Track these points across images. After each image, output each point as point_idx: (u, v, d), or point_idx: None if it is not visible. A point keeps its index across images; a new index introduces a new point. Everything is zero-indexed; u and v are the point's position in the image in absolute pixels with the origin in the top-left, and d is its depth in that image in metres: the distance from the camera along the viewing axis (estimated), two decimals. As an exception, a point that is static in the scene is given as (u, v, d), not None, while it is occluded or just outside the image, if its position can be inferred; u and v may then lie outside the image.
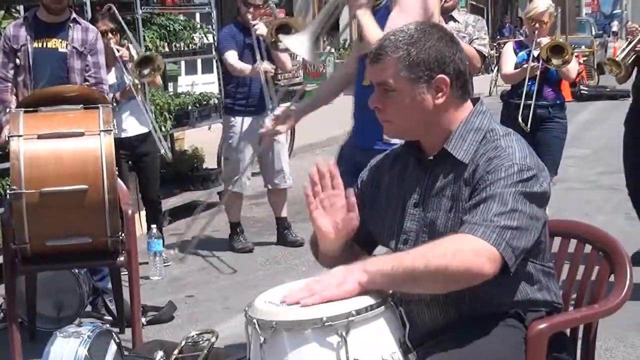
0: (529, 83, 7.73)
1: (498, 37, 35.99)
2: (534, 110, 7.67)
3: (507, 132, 3.06)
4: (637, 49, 7.18)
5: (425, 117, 3.04)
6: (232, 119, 8.40)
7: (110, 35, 7.65)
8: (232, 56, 8.19)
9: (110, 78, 7.77)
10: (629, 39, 7.37)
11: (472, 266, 2.75)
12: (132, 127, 7.90)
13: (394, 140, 3.57)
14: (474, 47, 7.04)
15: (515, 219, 2.84)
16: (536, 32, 7.79)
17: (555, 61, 7.37)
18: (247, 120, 8.32)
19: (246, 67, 8.13)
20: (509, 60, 8.01)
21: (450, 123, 3.07)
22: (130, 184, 7.95)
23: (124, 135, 7.72)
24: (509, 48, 8.20)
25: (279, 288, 2.97)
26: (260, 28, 8.11)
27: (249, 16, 8.13)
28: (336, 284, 2.77)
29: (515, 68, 7.88)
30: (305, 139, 14.15)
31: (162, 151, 8.24)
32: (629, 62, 7.23)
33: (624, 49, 7.30)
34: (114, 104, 7.46)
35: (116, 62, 7.75)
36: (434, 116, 3.04)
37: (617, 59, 7.29)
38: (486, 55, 7.28)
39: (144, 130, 7.98)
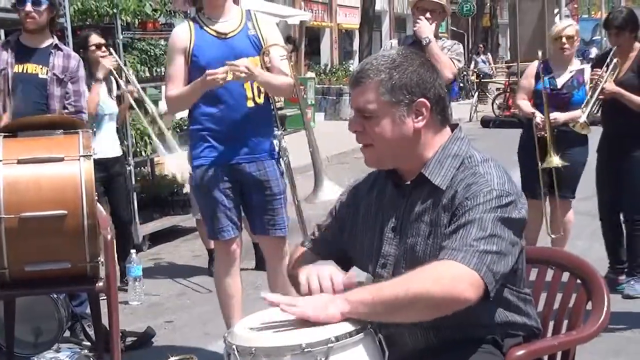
0: (550, 109, 7.46)
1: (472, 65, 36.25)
2: (558, 137, 7.46)
3: (485, 159, 3.08)
4: (600, 97, 7.16)
5: (405, 140, 3.06)
6: None
7: (104, 48, 7.73)
8: None
9: (102, 93, 7.89)
10: (591, 86, 7.20)
11: (454, 292, 2.77)
12: (108, 148, 7.95)
13: None
14: (452, 59, 7.04)
15: (495, 244, 2.86)
16: (565, 51, 7.57)
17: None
18: None
19: None
20: (525, 85, 7.81)
21: (428, 148, 3.09)
22: (105, 208, 7.97)
23: (100, 156, 7.79)
24: (532, 70, 7.84)
25: (258, 314, 2.99)
26: None
27: None
28: (319, 306, 2.79)
29: (533, 94, 7.66)
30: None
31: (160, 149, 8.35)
32: (596, 110, 7.19)
33: (587, 102, 7.16)
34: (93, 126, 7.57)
35: (109, 77, 7.88)
36: (413, 140, 3.07)
37: (582, 121, 7.16)
38: (459, 67, 7.14)
39: (118, 153, 8.07)
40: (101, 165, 7.76)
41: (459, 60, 7.00)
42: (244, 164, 5.74)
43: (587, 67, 7.74)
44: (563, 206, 7.76)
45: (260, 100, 5.76)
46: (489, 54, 40.72)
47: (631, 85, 6.91)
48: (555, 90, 7.58)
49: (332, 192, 6.34)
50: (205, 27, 5.71)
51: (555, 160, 7.37)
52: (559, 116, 7.41)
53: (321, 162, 6.68)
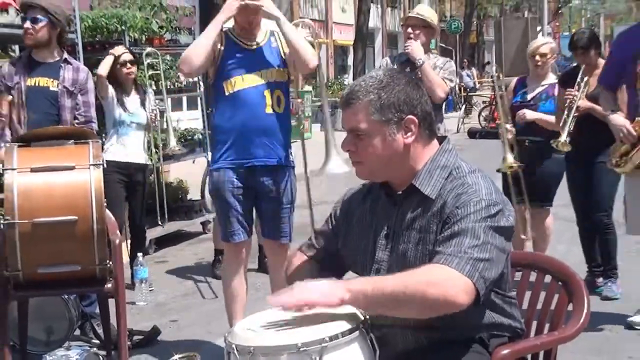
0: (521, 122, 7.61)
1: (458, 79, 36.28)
2: (529, 146, 7.59)
3: (472, 170, 3.08)
4: (576, 115, 7.18)
5: (396, 156, 3.06)
6: None
7: (129, 65, 7.83)
8: None
9: (134, 103, 8.07)
10: (567, 105, 7.19)
11: (448, 296, 2.76)
12: (133, 154, 8.06)
13: None
14: (444, 78, 7.06)
15: (487, 251, 2.86)
16: (539, 68, 7.66)
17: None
18: None
19: None
20: (510, 99, 7.90)
21: (418, 161, 3.09)
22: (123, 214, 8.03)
23: (129, 159, 7.92)
24: (511, 86, 8.03)
25: (258, 315, 2.98)
26: None
27: None
28: (321, 292, 2.79)
29: (510, 107, 7.74)
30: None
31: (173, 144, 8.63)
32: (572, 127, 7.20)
33: (565, 121, 7.16)
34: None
35: (138, 90, 7.97)
36: (403, 155, 3.07)
37: (562, 140, 7.14)
38: (451, 87, 7.16)
39: (143, 161, 8.15)
40: (125, 169, 7.91)
41: (450, 80, 7.04)
42: (259, 171, 5.73)
43: None
44: (540, 214, 7.77)
45: (280, 110, 5.75)
46: (473, 68, 40.75)
47: None
48: (524, 102, 7.71)
49: (337, 167, 6.34)
50: (233, 38, 5.72)
51: (509, 159, 7.42)
52: (528, 113, 7.54)
53: (332, 135, 6.65)
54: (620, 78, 6.48)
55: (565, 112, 7.20)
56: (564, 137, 7.16)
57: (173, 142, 8.51)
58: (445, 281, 2.78)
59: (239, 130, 5.67)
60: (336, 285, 2.83)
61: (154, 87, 9.48)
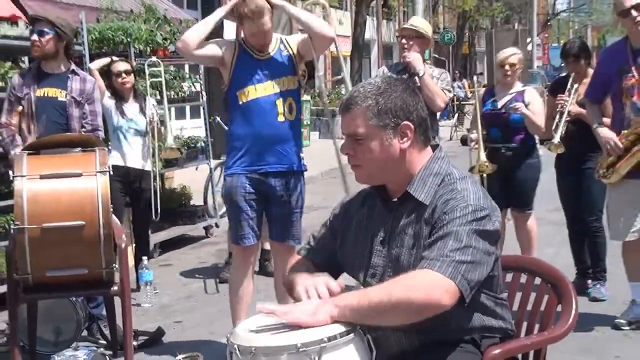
0: (493, 129, 7.62)
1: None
2: (504, 154, 7.56)
3: (463, 176, 3.09)
4: (567, 119, 7.20)
5: (392, 160, 3.07)
6: None
7: (124, 75, 7.82)
8: None
9: (133, 109, 8.05)
10: (559, 110, 7.24)
11: (432, 298, 2.77)
12: (132, 159, 8.01)
13: None
14: (443, 90, 7.10)
15: (470, 254, 2.86)
16: (508, 77, 7.65)
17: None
18: None
19: None
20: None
21: (413, 167, 3.10)
22: (125, 218, 7.97)
23: (127, 164, 7.89)
24: (480, 96, 8.01)
25: (259, 316, 2.99)
26: None
27: None
28: (310, 312, 2.79)
29: (481, 116, 7.70)
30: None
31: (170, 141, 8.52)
32: (564, 131, 7.22)
33: (557, 124, 7.19)
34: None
35: (137, 98, 7.96)
36: (399, 159, 3.07)
37: (555, 142, 7.17)
38: (449, 97, 7.20)
39: (143, 167, 8.11)
40: (124, 175, 7.88)
41: (449, 90, 7.12)
42: (271, 177, 5.75)
43: (529, 88, 7.89)
44: (522, 218, 7.77)
45: (291, 117, 5.77)
46: (464, 80, 40.72)
47: None
48: (495, 110, 7.67)
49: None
50: (246, 49, 5.73)
51: (482, 158, 7.42)
52: (520, 107, 7.49)
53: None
54: (606, 92, 6.50)
55: (557, 117, 7.22)
56: (556, 139, 7.18)
57: (170, 139, 8.44)
58: (427, 285, 2.79)
59: (252, 138, 5.70)
60: (322, 304, 2.84)
61: (158, 96, 9.46)
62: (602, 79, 6.52)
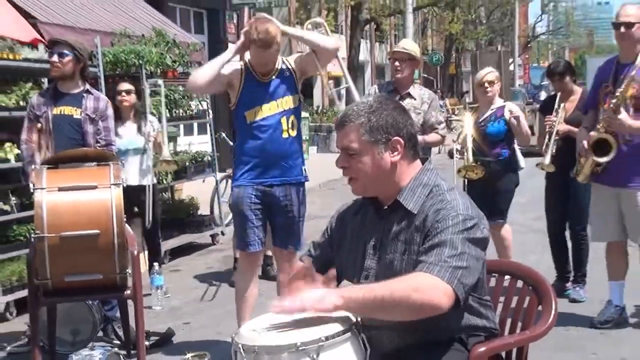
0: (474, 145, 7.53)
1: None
2: (491, 166, 7.46)
3: (451, 188, 3.10)
4: (556, 138, 7.19)
5: (383, 172, 3.07)
6: None
7: (124, 94, 7.80)
8: None
9: (130, 130, 7.97)
10: (548, 131, 7.22)
11: (431, 300, 2.78)
12: (132, 177, 7.97)
13: None
14: (439, 134, 7.18)
15: (465, 260, 2.87)
16: (488, 93, 7.59)
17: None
18: None
19: None
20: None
21: (403, 177, 3.10)
22: (136, 228, 7.95)
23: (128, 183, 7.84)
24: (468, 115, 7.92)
25: (262, 317, 3.00)
26: None
27: None
28: (316, 299, 2.79)
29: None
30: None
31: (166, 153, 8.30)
32: (554, 150, 7.21)
33: (547, 145, 7.18)
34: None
35: (136, 118, 7.91)
36: (390, 172, 3.08)
37: (547, 162, 7.15)
38: (442, 125, 7.21)
39: (143, 182, 8.03)
40: (129, 192, 7.78)
41: (440, 123, 7.23)
42: (275, 188, 5.75)
43: (508, 103, 7.86)
44: (495, 228, 7.67)
45: (294, 133, 5.79)
46: (446, 99, 40.66)
47: (578, 121, 6.91)
48: (477, 124, 7.64)
49: None
50: (251, 72, 5.72)
51: (470, 159, 7.38)
52: (521, 118, 7.51)
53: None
54: (596, 101, 6.51)
55: (547, 137, 7.21)
56: (547, 160, 7.17)
57: (166, 151, 8.36)
58: (428, 287, 2.79)
59: (259, 153, 5.71)
60: (330, 293, 2.83)
61: (168, 115, 9.45)
62: (595, 87, 6.53)
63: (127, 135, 7.95)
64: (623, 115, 6.05)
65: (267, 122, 5.69)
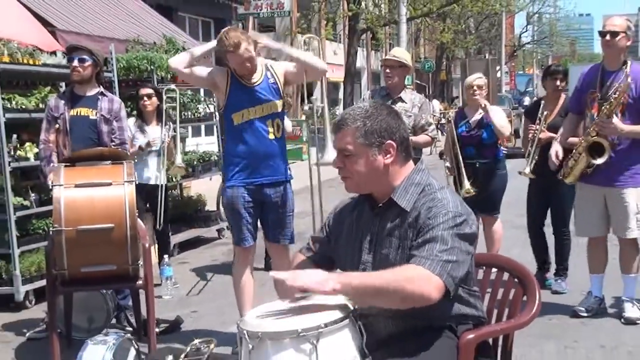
0: (468, 148, 7.56)
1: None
2: (479, 167, 7.53)
3: (441, 187, 3.11)
4: (538, 146, 7.15)
5: (377, 173, 3.08)
6: None
7: (145, 98, 7.81)
8: None
9: (152, 131, 7.98)
10: (530, 139, 7.17)
11: (422, 292, 2.79)
12: (150, 177, 8.01)
13: None
14: (429, 135, 7.15)
15: (454, 254, 2.88)
16: (477, 96, 7.56)
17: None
18: None
19: None
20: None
21: (396, 178, 3.11)
22: (148, 223, 7.95)
23: (144, 182, 7.82)
24: (449, 116, 8.02)
25: (265, 305, 3.00)
26: None
27: None
28: (317, 281, 2.80)
29: (457, 138, 7.60)
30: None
31: (179, 161, 8.33)
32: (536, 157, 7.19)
33: (530, 153, 7.14)
34: (140, 155, 7.75)
35: (157, 121, 7.90)
36: (383, 173, 3.09)
37: (527, 172, 7.15)
38: (433, 128, 7.19)
39: (157, 182, 8.03)
40: (140, 190, 7.77)
41: (430, 124, 7.18)
42: (265, 187, 5.77)
43: (494, 107, 7.81)
44: (490, 221, 7.73)
45: (279, 135, 5.80)
46: (432, 103, 40.70)
47: (559, 127, 6.90)
48: (470, 131, 7.62)
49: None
50: (236, 76, 5.72)
51: (466, 186, 7.40)
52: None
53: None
54: (581, 105, 6.49)
55: (530, 144, 7.20)
56: (528, 169, 7.18)
57: (179, 159, 8.38)
58: (420, 279, 2.80)
59: (247, 155, 5.71)
60: (329, 276, 2.84)
61: (178, 117, 9.45)
62: (580, 92, 6.51)
63: (150, 137, 7.95)
64: (616, 120, 6.07)
65: (254, 124, 5.69)
